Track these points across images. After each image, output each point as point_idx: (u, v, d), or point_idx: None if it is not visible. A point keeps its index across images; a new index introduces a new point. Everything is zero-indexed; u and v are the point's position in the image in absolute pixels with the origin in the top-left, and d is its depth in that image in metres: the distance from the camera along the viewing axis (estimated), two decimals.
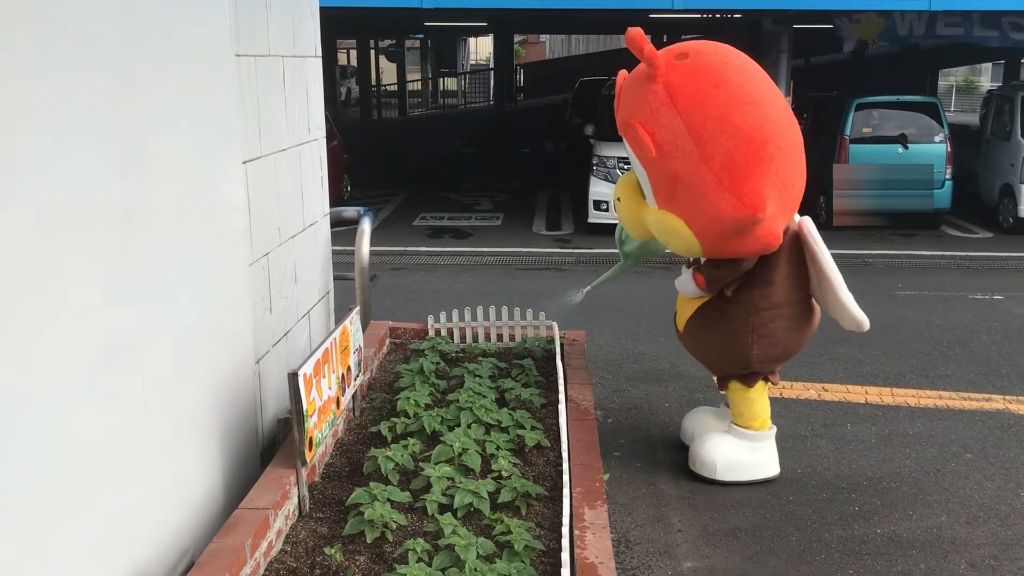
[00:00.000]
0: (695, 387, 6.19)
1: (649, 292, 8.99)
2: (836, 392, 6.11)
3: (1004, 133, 13.21)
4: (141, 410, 3.14)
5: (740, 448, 4.80)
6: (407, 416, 4.30)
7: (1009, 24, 12.71)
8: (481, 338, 5.50)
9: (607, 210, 12.14)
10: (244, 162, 4.32)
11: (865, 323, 4.43)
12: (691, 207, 4.18)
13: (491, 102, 32.00)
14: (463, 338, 5.51)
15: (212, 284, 3.94)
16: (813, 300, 4.66)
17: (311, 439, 3.65)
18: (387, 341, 5.51)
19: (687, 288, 4.73)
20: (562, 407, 4.10)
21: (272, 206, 4.79)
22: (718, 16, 13.84)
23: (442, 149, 22.07)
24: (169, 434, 3.35)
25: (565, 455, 3.60)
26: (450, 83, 35.17)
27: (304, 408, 3.55)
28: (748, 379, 4.73)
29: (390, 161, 19.28)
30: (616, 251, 5.17)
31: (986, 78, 44.88)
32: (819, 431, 5.49)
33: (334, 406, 4.02)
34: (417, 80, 33.72)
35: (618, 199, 4.68)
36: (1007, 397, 6.12)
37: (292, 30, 5.15)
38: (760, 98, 4.15)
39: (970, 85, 41.86)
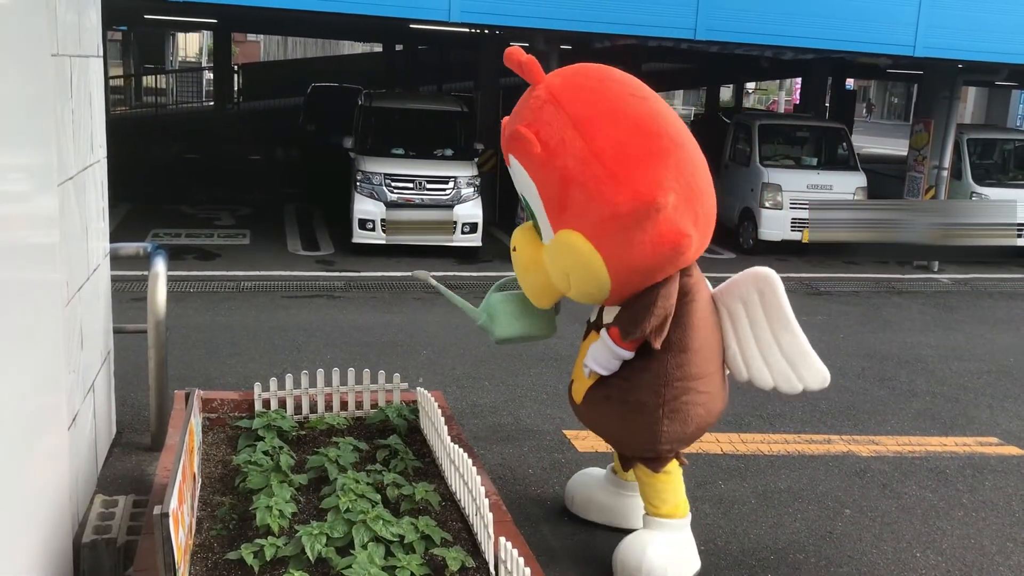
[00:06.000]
0: (551, 445, 5.55)
1: (441, 323, 8.28)
2: None
3: (744, 159, 13.88)
4: None
5: (667, 546, 4.04)
6: (272, 533, 3.29)
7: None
8: (321, 407, 4.52)
9: (373, 229, 11.28)
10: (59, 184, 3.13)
11: (827, 374, 3.91)
12: (587, 210, 3.64)
13: (207, 103, 29.62)
14: (298, 408, 4.50)
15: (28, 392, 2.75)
16: (726, 374, 4.09)
17: None
18: (201, 418, 4.37)
19: (607, 358, 3.88)
20: (486, 512, 3.28)
21: (61, 254, 3.57)
22: (480, 32, 13.40)
23: (160, 153, 19.93)
24: None
25: None
26: (155, 80, 32.17)
27: (175, 560, 2.48)
28: (654, 463, 4.04)
29: None
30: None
31: (679, 102, 48.75)
32: (696, 492, 5.05)
33: (190, 537, 2.95)
34: (120, 76, 30.50)
35: (513, 249, 4.05)
36: (843, 437, 6.06)
37: (78, 22, 3.91)
38: (648, 95, 3.85)
39: None
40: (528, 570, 2.82)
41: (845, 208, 12.88)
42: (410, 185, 11.41)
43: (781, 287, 3.89)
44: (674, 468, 4.11)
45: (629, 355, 3.87)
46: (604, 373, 3.94)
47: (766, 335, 3.93)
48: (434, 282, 4.42)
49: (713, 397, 3.98)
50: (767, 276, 3.91)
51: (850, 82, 29.05)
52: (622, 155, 3.60)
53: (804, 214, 12.88)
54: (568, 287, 3.89)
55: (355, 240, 11.37)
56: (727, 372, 4.11)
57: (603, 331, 3.93)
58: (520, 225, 4.11)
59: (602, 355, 3.91)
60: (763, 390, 4.04)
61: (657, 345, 3.80)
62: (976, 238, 13.04)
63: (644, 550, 3.99)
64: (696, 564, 4.13)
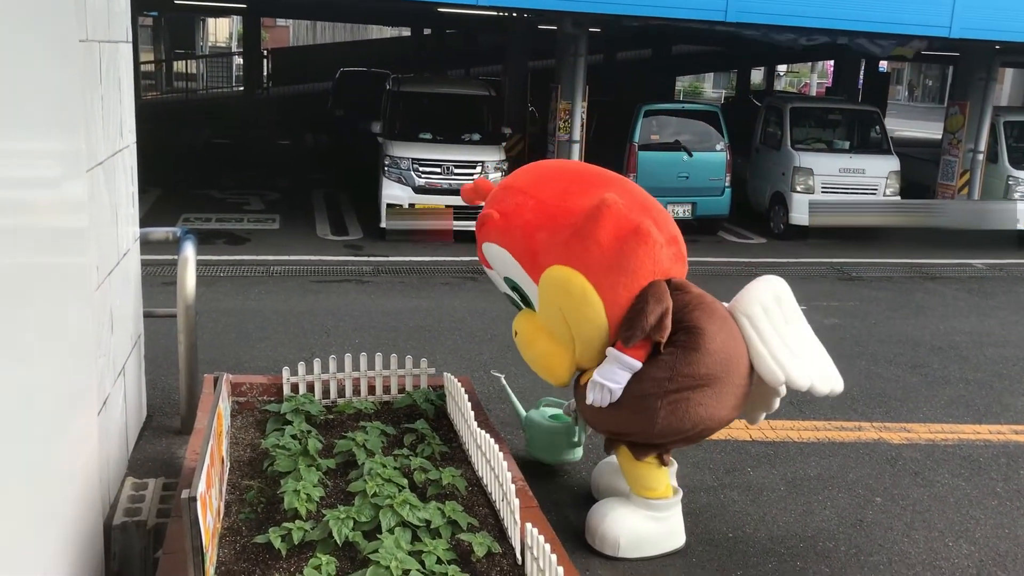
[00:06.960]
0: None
1: (468, 309, 8.28)
2: None
3: (775, 142, 13.73)
4: None
5: (643, 519, 4.19)
6: (300, 517, 3.31)
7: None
8: (349, 391, 4.53)
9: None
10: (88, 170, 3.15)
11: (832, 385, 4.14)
12: (554, 242, 4.04)
13: (236, 88, 29.77)
14: (326, 392, 4.51)
15: (53, 375, 2.77)
16: (751, 388, 4.07)
17: None
18: (230, 401, 4.40)
19: (613, 370, 3.94)
20: (512, 498, 3.27)
21: (91, 239, 3.59)
22: (508, 15, 13.33)
23: (190, 138, 20.07)
24: None
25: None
26: (186, 66, 32.35)
27: (203, 543, 2.50)
28: (638, 450, 4.12)
29: None
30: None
31: (708, 85, 48.37)
32: (724, 479, 5.03)
33: (218, 520, 2.97)
34: (150, 62, 30.70)
35: (516, 333, 4.40)
36: (874, 424, 5.99)
37: (107, 7, 3.92)
38: (589, 166, 4.52)
39: (695, 90, 44.96)
40: (554, 556, 2.81)
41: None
42: (438, 170, 11.41)
43: (791, 293, 4.22)
44: (654, 461, 4.15)
45: (638, 364, 3.93)
46: (613, 387, 3.95)
47: (791, 331, 4.08)
48: (505, 384, 5.15)
49: (720, 403, 3.96)
50: (781, 281, 4.19)
51: (884, 64, 28.57)
52: (568, 194, 4.13)
53: (836, 198, 12.77)
54: (568, 333, 4.06)
55: (383, 225, 11.40)
56: (753, 382, 4.07)
57: (609, 349, 4.00)
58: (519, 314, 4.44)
59: (609, 369, 3.97)
60: (800, 391, 4.03)
61: (662, 338, 3.88)
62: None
63: (604, 517, 4.25)
64: (675, 543, 4.28)
